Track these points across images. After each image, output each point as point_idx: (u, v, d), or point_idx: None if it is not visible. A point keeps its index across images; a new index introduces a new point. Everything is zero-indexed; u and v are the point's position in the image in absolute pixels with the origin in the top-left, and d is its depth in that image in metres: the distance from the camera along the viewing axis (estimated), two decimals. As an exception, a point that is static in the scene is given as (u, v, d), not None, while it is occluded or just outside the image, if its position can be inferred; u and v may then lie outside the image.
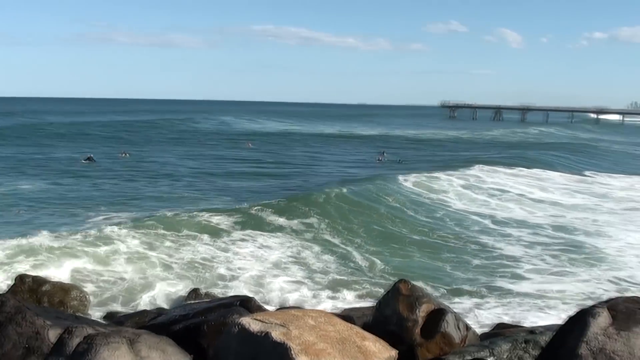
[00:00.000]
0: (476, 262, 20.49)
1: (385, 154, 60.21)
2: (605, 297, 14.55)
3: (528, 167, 45.52)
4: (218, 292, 16.06)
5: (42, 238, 18.38)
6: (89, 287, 15.53)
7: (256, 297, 14.24)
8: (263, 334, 7.99)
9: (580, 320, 6.62)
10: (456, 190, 34.25)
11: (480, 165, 43.43)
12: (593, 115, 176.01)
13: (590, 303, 9.98)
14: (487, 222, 27.00)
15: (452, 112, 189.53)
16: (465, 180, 37.09)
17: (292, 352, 7.65)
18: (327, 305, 15.43)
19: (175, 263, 18.55)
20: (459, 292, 17.22)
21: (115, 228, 20.68)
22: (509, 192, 34.95)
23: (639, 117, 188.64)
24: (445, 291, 17.23)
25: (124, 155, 51.18)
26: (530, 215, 28.71)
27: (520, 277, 18.89)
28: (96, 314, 13.68)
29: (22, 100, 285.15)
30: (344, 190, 29.34)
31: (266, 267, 18.69)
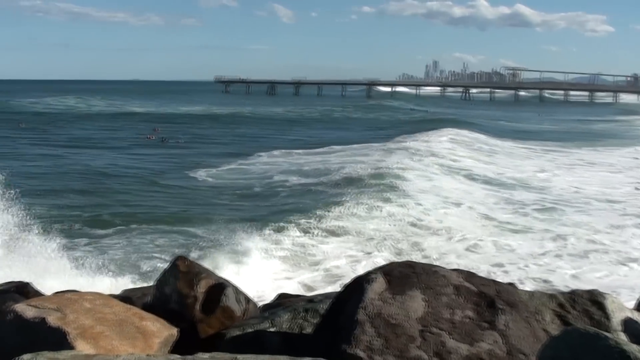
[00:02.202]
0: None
1: (158, 130, 59.05)
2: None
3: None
4: None
5: None
6: None
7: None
8: (39, 320, 7.56)
9: (356, 286, 6.83)
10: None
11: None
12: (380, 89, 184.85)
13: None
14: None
15: (226, 87, 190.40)
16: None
17: (69, 336, 7.31)
18: (104, 286, 14.93)
19: None
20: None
21: None
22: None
23: (408, 88, 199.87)
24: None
25: None
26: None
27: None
28: None
29: None
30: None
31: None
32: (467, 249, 19.80)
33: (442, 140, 49.26)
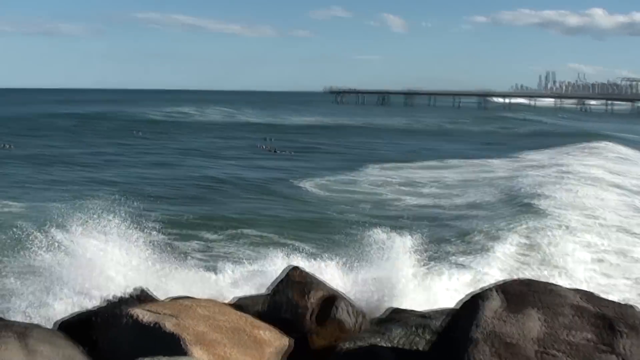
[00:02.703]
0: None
1: (270, 141, 59.85)
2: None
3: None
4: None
5: None
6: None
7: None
8: (154, 324, 7.76)
9: (472, 304, 6.70)
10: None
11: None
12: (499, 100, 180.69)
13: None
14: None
15: (338, 97, 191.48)
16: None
17: (185, 342, 7.46)
18: (217, 293, 15.19)
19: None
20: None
21: None
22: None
23: (523, 99, 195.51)
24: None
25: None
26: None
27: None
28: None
29: None
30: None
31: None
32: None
33: (585, 156, 44.72)
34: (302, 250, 20.12)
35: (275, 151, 52.00)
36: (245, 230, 22.59)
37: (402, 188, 33.07)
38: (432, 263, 17.09)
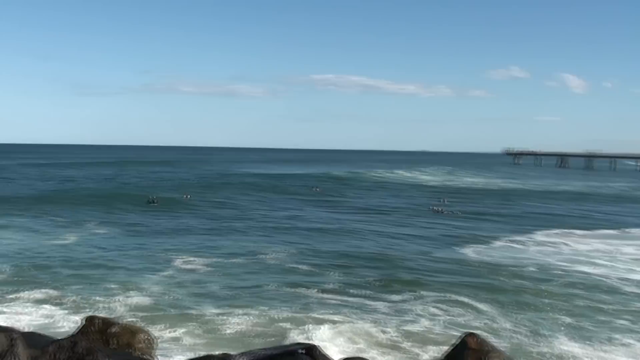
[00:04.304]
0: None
1: (444, 202, 59.97)
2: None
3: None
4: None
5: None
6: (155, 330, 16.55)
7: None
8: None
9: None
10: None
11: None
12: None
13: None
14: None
15: (516, 159, 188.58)
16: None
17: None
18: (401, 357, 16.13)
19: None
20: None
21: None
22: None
23: None
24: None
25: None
26: None
27: None
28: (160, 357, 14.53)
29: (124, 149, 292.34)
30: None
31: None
32: None
33: None
34: (478, 314, 20.77)
35: (447, 212, 52.34)
36: (423, 292, 23.63)
37: (574, 257, 31.82)
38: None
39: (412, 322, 19.82)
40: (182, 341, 17.56)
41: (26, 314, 19.76)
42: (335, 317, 19.72)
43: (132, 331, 13.66)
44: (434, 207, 55.01)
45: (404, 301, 22.51)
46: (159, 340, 15.02)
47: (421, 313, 20.86)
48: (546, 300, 22.87)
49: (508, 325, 19.69)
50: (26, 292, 22.49)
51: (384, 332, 18.50)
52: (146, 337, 13.74)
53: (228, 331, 18.56)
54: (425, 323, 19.69)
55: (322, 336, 17.42)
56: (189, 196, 57.33)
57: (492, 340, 14.23)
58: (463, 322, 19.83)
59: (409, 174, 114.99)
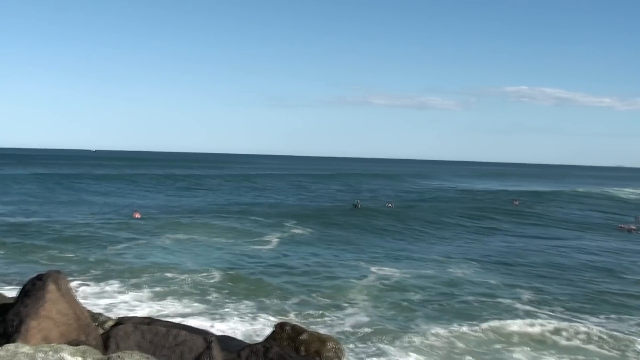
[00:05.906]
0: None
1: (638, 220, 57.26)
2: None
3: None
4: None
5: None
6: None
7: None
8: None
9: None
10: None
11: None
12: None
13: None
14: None
15: None
16: None
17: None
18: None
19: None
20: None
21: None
22: None
23: None
24: None
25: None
26: None
27: None
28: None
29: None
30: None
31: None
32: None
33: None
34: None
35: (630, 231, 50.22)
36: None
37: None
38: None
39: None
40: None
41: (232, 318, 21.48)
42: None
43: (321, 339, 13.80)
44: (622, 225, 52.87)
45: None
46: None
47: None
48: None
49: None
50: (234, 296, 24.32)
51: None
52: (335, 346, 13.85)
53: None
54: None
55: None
56: None
57: None
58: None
59: (597, 187, 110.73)
